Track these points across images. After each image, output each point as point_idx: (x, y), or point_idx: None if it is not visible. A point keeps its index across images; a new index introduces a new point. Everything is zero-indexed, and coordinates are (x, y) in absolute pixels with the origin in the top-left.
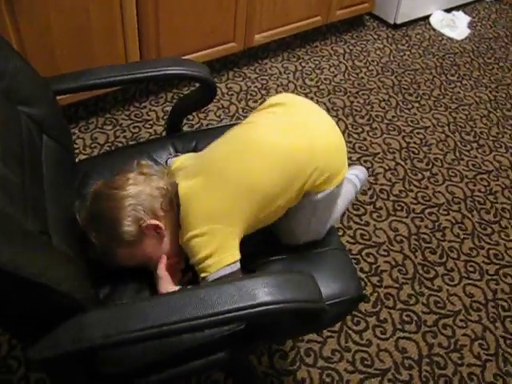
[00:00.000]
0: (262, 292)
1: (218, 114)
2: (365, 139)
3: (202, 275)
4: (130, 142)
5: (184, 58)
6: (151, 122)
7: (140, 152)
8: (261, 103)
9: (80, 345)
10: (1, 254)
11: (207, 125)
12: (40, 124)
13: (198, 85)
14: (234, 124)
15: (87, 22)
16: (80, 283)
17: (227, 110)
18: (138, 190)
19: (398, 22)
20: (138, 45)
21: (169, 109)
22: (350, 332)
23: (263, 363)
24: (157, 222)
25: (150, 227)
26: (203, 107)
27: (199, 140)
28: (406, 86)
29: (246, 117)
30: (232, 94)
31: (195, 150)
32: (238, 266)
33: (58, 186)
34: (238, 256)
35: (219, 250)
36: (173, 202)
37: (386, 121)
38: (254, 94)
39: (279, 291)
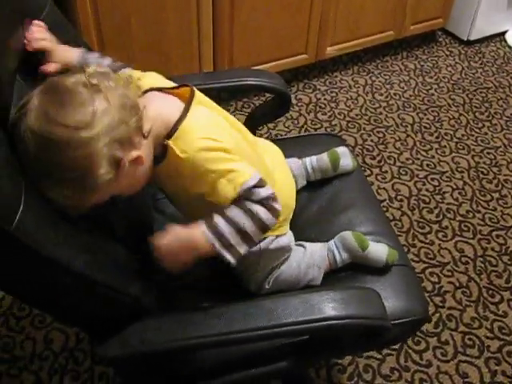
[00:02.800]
0: (327, 306)
1: (286, 124)
2: (433, 157)
3: (238, 189)
4: None
5: (256, 68)
6: None
7: None
8: (329, 116)
9: (146, 347)
10: (77, 259)
11: (276, 135)
12: None
13: (268, 95)
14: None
15: (166, 28)
16: (145, 286)
17: (296, 121)
18: (108, 121)
19: (472, 38)
20: (212, 53)
21: (239, 117)
22: (410, 351)
23: (321, 376)
24: (137, 154)
25: (131, 162)
26: (277, 118)
27: None
28: (477, 105)
29: (314, 129)
30: (301, 106)
31: None
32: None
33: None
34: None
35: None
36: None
37: (455, 139)
38: (323, 106)
39: (344, 306)
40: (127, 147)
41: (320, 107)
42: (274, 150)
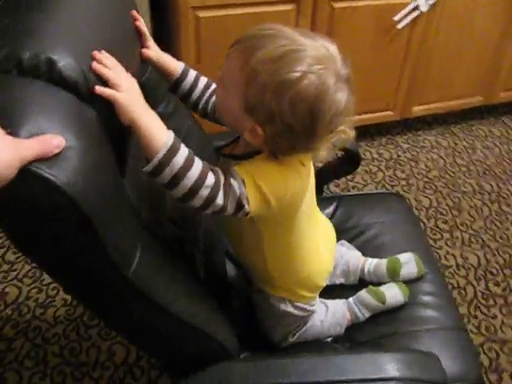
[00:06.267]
0: (392, 367)
1: (364, 178)
2: (507, 229)
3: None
4: None
5: None
6: None
7: None
8: (408, 174)
9: None
10: (176, 303)
11: (353, 187)
12: None
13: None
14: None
15: None
16: (229, 333)
17: (374, 176)
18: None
19: None
20: None
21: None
22: None
23: None
24: (261, 133)
25: (253, 128)
26: (346, 175)
27: (339, 205)
28: None
29: (391, 186)
30: (381, 161)
31: (333, 214)
32: None
33: (212, 236)
34: None
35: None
36: None
37: None
38: (403, 163)
39: (407, 368)
40: (272, 124)
41: (399, 164)
42: (329, 227)
